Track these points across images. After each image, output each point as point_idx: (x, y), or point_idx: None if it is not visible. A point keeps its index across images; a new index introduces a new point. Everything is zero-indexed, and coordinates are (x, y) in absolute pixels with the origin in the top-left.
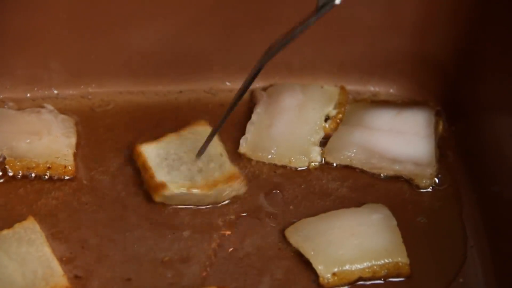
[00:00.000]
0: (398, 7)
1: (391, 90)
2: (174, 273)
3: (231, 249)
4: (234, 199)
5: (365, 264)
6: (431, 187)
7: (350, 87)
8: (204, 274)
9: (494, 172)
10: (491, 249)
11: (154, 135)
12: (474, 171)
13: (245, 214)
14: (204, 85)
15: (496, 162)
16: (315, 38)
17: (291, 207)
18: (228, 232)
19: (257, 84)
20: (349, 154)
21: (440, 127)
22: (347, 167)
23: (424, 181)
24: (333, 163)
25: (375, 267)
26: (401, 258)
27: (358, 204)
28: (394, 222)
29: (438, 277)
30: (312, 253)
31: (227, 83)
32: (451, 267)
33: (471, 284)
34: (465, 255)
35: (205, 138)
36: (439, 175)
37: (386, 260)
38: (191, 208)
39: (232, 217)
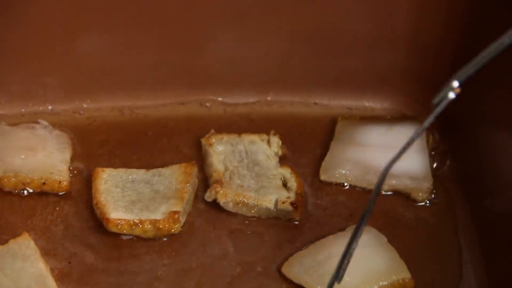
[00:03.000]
0: (392, 22)
1: (385, 105)
2: (167, 287)
3: None
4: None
5: (374, 287)
6: (426, 201)
7: (343, 102)
8: None
9: (489, 186)
10: (486, 263)
11: (148, 151)
12: (469, 184)
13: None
14: (199, 99)
15: (490, 176)
16: (309, 53)
17: None
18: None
19: (251, 99)
20: (344, 172)
21: (431, 141)
22: (342, 185)
23: (421, 195)
24: (328, 182)
25: None
26: (404, 273)
27: (354, 220)
28: (385, 239)
29: None
30: (319, 287)
31: (219, 98)
32: (447, 283)
33: None
34: (460, 271)
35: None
36: (434, 189)
37: (393, 278)
38: None
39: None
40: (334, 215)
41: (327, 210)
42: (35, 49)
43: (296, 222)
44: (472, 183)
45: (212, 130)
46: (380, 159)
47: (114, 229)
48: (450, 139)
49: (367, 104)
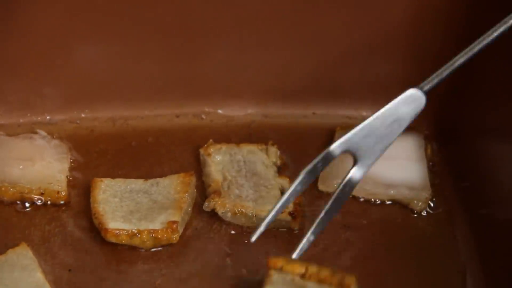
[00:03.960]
0: (389, 31)
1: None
2: None
3: None
4: None
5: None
6: (424, 211)
7: (342, 111)
8: None
9: (487, 195)
10: (484, 273)
11: (147, 161)
12: (467, 194)
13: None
14: (197, 110)
15: (489, 185)
16: (307, 63)
17: None
18: None
19: (249, 110)
20: None
21: (429, 151)
22: None
23: (419, 205)
24: (326, 192)
25: None
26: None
27: (352, 230)
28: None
29: None
30: None
31: (219, 111)
32: None
33: None
34: (460, 282)
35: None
36: (433, 199)
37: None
38: None
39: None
40: (332, 224)
41: None
42: (33, 59)
43: (295, 232)
44: (470, 192)
45: (211, 140)
46: (378, 169)
47: (112, 239)
48: (448, 149)
49: (365, 113)
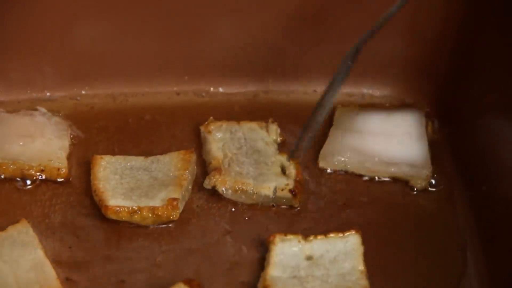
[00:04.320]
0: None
1: (384, 92)
2: (166, 273)
3: None
4: None
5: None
6: (425, 189)
7: (342, 89)
8: None
9: (488, 172)
10: (484, 250)
11: (147, 138)
12: (467, 171)
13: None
14: (197, 88)
15: (489, 162)
16: (307, 41)
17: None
18: None
19: (249, 87)
20: (343, 159)
21: (430, 128)
22: (340, 172)
23: (420, 182)
24: (327, 169)
25: None
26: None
27: (353, 207)
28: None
29: (434, 278)
30: None
31: (220, 88)
32: (448, 270)
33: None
34: (461, 259)
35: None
36: (434, 176)
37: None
38: None
39: None
40: (332, 202)
41: (326, 197)
42: (33, 36)
43: (295, 209)
44: (470, 169)
45: (211, 117)
46: (380, 147)
47: (113, 216)
48: (449, 126)
49: (366, 91)
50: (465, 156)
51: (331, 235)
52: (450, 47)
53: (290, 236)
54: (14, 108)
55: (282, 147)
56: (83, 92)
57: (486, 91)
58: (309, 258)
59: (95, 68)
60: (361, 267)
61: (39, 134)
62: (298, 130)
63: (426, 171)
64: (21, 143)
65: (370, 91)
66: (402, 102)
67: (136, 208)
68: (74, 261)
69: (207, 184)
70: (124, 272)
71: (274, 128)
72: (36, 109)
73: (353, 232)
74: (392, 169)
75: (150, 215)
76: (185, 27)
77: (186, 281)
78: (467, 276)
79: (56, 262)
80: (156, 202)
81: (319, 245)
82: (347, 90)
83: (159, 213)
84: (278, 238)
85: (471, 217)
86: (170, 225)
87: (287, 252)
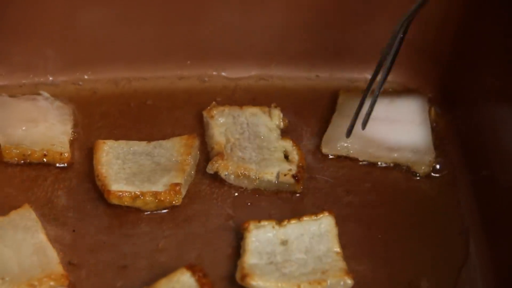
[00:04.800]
0: None
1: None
2: (168, 258)
3: None
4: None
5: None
6: (428, 175)
7: (345, 74)
8: None
9: (490, 157)
10: (487, 235)
11: (150, 123)
12: (470, 156)
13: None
14: (200, 73)
15: (491, 147)
16: (310, 25)
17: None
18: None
19: (252, 72)
20: (346, 144)
21: (433, 113)
22: (343, 157)
23: (423, 168)
24: (329, 155)
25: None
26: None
27: (355, 193)
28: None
29: (437, 263)
30: None
31: (222, 73)
32: (451, 256)
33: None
34: (463, 245)
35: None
36: (436, 162)
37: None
38: None
39: None
40: (335, 188)
41: (328, 183)
42: (36, 21)
43: (297, 194)
44: (473, 155)
45: (214, 102)
46: (382, 132)
47: (115, 201)
48: (451, 112)
49: (369, 76)
50: (468, 141)
51: (305, 218)
52: (453, 32)
53: (264, 222)
54: (16, 92)
55: (285, 132)
56: (85, 77)
57: (489, 76)
58: (284, 242)
59: (98, 53)
60: (337, 248)
61: (42, 119)
62: (301, 116)
63: (429, 157)
64: (23, 128)
65: None
66: (405, 87)
67: (138, 193)
68: (77, 245)
69: (210, 169)
70: (127, 257)
71: (277, 113)
72: (39, 94)
73: (326, 214)
74: (395, 155)
75: (152, 200)
76: (188, 11)
77: (188, 267)
78: (470, 261)
79: (59, 246)
80: (159, 187)
81: (293, 229)
82: (350, 76)
83: (162, 198)
84: (252, 225)
85: (473, 202)
86: (172, 210)
87: (262, 238)
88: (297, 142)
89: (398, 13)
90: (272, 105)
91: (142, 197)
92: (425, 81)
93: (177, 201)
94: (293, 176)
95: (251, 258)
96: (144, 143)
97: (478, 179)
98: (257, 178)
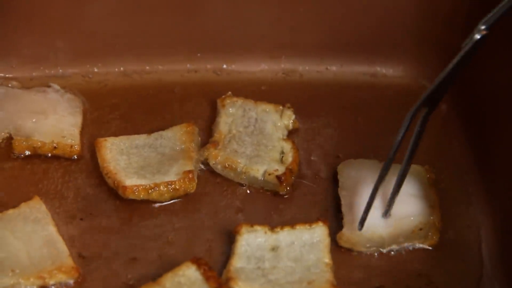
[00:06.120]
0: None
1: (397, 71)
2: (178, 251)
3: None
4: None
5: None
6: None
7: (356, 67)
8: None
9: (500, 152)
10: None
11: (160, 116)
12: (480, 150)
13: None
14: (211, 65)
15: (501, 142)
16: (320, 18)
17: None
18: None
19: (264, 66)
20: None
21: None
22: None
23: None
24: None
25: None
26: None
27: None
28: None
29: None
30: None
31: (233, 66)
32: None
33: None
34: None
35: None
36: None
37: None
38: None
39: None
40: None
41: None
42: (46, 13)
43: (311, 196)
44: (482, 149)
45: (229, 92)
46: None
47: (131, 196)
48: (462, 106)
49: (378, 70)
50: (477, 139)
51: (298, 226)
52: (463, 23)
53: (256, 227)
54: (26, 84)
55: (292, 134)
56: (95, 69)
57: (498, 71)
58: (274, 249)
59: (108, 45)
60: (327, 259)
61: (52, 111)
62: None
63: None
64: (34, 120)
65: (383, 70)
66: (415, 81)
67: (153, 185)
68: (87, 238)
69: (201, 155)
70: (136, 249)
71: (288, 114)
72: (49, 86)
73: (321, 223)
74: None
75: (167, 190)
76: (198, 3)
77: (194, 260)
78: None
79: (69, 239)
80: (171, 176)
81: (285, 237)
82: (359, 69)
83: (177, 187)
84: (244, 229)
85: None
86: (182, 202)
87: (252, 243)
88: (297, 146)
89: (407, 5)
90: (287, 105)
91: (157, 189)
92: (435, 75)
93: (192, 188)
94: (278, 177)
95: (238, 262)
96: (144, 135)
97: (489, 179)
98: (243, 172)
